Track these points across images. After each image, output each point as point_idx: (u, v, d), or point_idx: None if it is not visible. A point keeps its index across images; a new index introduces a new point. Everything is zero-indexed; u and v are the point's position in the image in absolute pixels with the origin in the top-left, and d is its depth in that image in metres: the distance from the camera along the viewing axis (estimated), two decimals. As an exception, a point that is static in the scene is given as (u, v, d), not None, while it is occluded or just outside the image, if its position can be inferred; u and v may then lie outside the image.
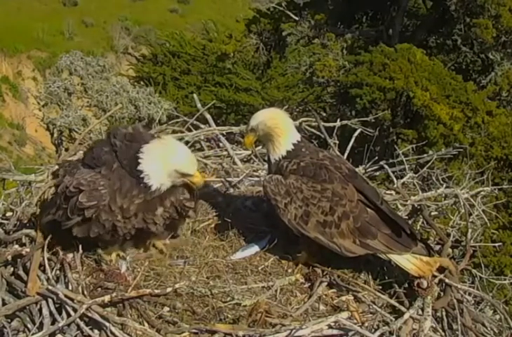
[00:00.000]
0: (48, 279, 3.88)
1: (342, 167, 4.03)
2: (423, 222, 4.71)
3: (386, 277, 4.14)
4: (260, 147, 5.34)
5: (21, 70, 30.37)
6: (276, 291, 3.91)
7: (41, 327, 3.70)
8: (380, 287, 4.06)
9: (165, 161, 3.74)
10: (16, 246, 4.18)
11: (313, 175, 3.95)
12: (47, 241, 4.02)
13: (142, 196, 3.80)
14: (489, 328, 4.34)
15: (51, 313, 3.74)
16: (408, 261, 3.94)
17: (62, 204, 3.86)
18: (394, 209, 4.59)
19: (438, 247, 4.46)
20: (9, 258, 4.10)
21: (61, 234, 4.00)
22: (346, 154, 5.56)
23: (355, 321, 3.72)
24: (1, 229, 4.43)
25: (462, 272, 4.50)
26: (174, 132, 5.70)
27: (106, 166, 3.83)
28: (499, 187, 6.28)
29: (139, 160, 3.76)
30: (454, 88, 9.19)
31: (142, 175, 3.76)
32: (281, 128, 4.05)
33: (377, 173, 5.59)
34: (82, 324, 3.61)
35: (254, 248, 4.19)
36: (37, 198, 4.44)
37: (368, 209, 3.94)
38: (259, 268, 4.09)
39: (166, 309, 3.75)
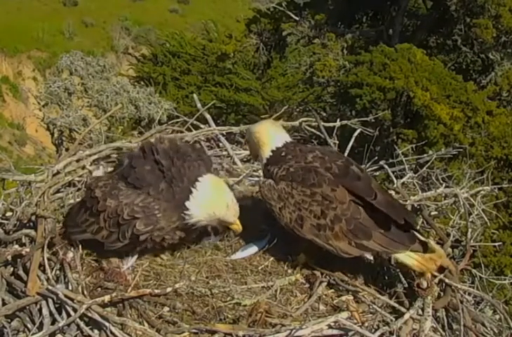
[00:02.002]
0: (47, 279, 3.88)
1: (333, 166, 4.01)
2: (423, 222, 4.71)
3: (386, 277, 4.14)
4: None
5: (21, 70, 30.39)
6: (276, 291, 3.91)
7: (40, 327, 3.70)
8: (380, 287, 4.06)
9: (212, 210, 3.93)
10: (16, 246, 4.18)
11: (301, 179, 3.96)
12: (47, 241, 4.03)
13: (178, 223, 3.93)
14: (489, 328, 4.34)
15: (51, 313, 3.74)
16: (410, 257, 3.94)
17: (108, 228, 3.90)
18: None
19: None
20: (9, 258, 4.10)
21: (95, 247, 4.08)
22: (345, 154, 5.55)
23: (355, 321, 3.72)
24: (1, 229, 4.43)
25: (462, 272, 4.49)
26: (174, 132, 5.69)
27: (153, 186, 3.88)
28: (499, 186, 6.28)
29: (190, 196, 3.88)
30: (455, 88, 9.18)
31: (186, 212, 3.89)
32: (263, 141, 4.19)
33: (377, 173, 5.59)
34: (82, 324, 3.61)
35: (254, 248, 4.20)
36: (37, 198, 4.43)
37: (361, 209, 3.91)
38: (259, 268, 4.09)
39: (166, 309, 3.75)
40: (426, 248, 3.94)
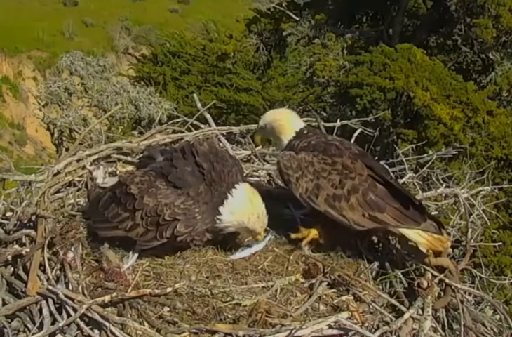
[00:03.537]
0: (48, 279, 3.88)
1: (352, 147, 4.16)
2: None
3: (386, 277, 4.13)
4: (260, 147, 5.35)
5: (21, 70, 30.43)
6: (276, 290, 3.90)
7: (41, 327, 3.70)
8: (380, 287, 4.06)
9: (242, 218, 4.01)
10: (16, 246, 4.17)
11: (323, 149, 4.08)
12: (47, 241, 4.02)
13: (209, 226, 4.00)
14: (489, 328, 4.34)
15: (51, 313, 3.74)
16: (419, 235, 3.99)
17: (145, 226, 3.92)
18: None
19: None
20: (9, 258, 4.09)
21: (120, 244, 4.08)
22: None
23: (355, 321, 3.71)
24: (1, 229, 4.43)
25: (462, 272, 4.49)
26: (174, 132, 5.69)
27: (193, 187, 3.94)
28: (499, 186, 6.27)
29: (225, 201, 3.96)
30: (455, 88, 9.18)
31: (218, 216, 3.96)
32: (284, 126, 4.30)
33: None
34: (82, 324, 3.61)
35: (254, 248, 4.20)
36: (37, 198, 4.43)
37: (378, 184, 3.99)
38: (259, 268, 4.09)
39: (166, 309, 3.74)
40: (437, 228, 4.00)
